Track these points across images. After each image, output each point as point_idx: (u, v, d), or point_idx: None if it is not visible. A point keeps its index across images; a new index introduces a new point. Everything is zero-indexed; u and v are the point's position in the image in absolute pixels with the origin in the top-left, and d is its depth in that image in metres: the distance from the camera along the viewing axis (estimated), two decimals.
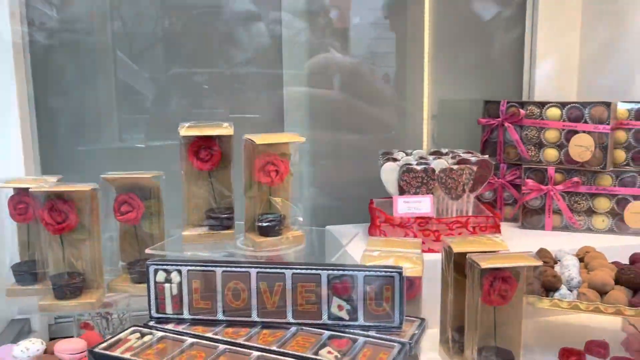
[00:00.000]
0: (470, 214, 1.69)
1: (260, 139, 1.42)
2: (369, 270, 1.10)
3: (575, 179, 1.80)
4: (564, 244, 1.60)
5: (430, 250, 1.62)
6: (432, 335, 1.41)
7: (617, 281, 1.32)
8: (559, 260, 1.46)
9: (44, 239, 1.45)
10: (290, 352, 1.02)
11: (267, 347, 1.03)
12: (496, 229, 1.64)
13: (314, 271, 1.11)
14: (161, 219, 1.57)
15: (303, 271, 1.11)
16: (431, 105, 2.20)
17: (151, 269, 1.15)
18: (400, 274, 1.09)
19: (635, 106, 1.75)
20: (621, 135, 1.77)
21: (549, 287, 1.33)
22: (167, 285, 1.14)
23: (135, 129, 2.04)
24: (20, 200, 1.50)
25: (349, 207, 2.07)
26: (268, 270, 1.12)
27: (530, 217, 1.88)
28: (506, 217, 1.97)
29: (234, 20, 2.00)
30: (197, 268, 1.14)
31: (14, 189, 1.51)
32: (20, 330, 1.73)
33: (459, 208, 1.69)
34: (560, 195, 1.82)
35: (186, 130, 1.50)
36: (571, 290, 1.33)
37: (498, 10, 2.17)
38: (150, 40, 1.97)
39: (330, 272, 1.10)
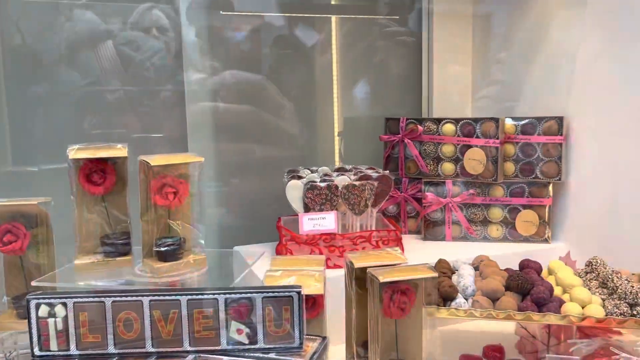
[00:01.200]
0: (373, 228, 1.72)
1: (155, 159, 1.37)
2: (267, 291, 1.08)
3: (471, 190, 1.89)
4: (462, 254, 1.66)
5: (336, 266, 1.63)
6: (338, 352, 1.41)
7: (508, 287, 1.39)
8: (457, 270, 1.51)
9: None
10: None
11: None
12: (398, 242, 1.69)
13: (210, 296, 1.08)
14: (50, 248, 1.46)
15: (199, 296, 1.07)
16: (338, 122, 2.25)
17: (32, 303, 1.06)
18: (299, 293, 1.09)
19: (521, 122, 1.88)
20: (510, 148, 1.89)
21: (446, 297, 1.38)
22: (50, 320, 1.06)
23: (27, 151, 1.91)
24: None
25: (258, 226, 2.05)
26: (161, 297, 1.07)
27: (431, 228, 1.95)
28: (410, 229, 2.04)
29: (133, 36, 1.94)
30: (84, 300, 1.07)
31: None
32: None
33: (362, 223, 1.72)
34: (458, 207, 1.90)
35: (76, 152, 1.41)
36: (467, 299, 1.39)
37: (396, 36, 2.26)
38: (47, 57, 1.85)
39: (227, 295, 1.08)
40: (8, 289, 1.45)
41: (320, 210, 1.66)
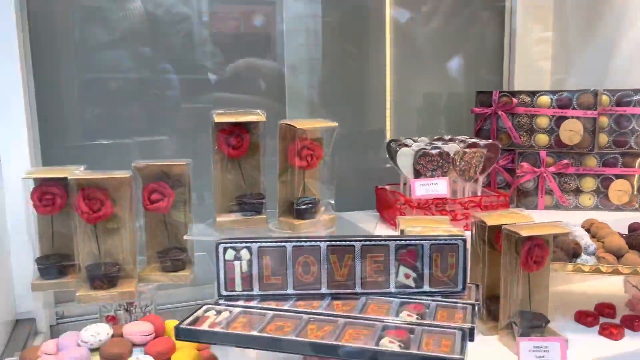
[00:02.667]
0: (479, 194, 1.81)
1: (298, 123, 1.46)
2: (435, 239, 1.17)
3: (565, 161, 1.97)
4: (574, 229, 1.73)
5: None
6: None
7: (630, 245, 1.47)
8: (572, 232, 1.59)
9: (78, 229, 1.40)
10: (371, 316, 1.07)
11: (349, 314, 1.08)
12: (506, 206, 1.77)
13: (382, 242, 1.16)
14: (190, 207, 1.56)
15: (372, 242, 1.16)
16: (416, 98, 2.34)
17: (220, 247, 1.15)
18: (464, 241, 1.17)
19: (615, 94, 1.94)
20: (603, 120, 1.96)
21: (571, 254, 1.46)
22: (236, 262, 1.15)
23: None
24: (46, 191, 1.44)
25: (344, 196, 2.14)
26: (337, 243, 1.16)
27: (524, 198, 2.03)
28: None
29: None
30: (267, 245, 1.16)
31: (37, 179, 1.45)
32: (29, 332, 1.66)
33: (470, 189, 1.80)
34: (552, 177, 1.98)
35: (218, 117, 1.50)
36: (591, 256, 1.47)
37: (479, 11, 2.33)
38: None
39: (398, 242, 1.16)
40: (152, 245, 1.56)
41: (432, 176, 1.74)
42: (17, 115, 1.63)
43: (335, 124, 1.52)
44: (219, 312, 1.10)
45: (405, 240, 1.17)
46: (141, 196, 1.50)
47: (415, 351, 0.93)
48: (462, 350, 0.93)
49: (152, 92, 1.92)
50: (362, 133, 2.24)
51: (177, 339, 1.05)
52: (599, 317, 1.54)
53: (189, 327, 1.03)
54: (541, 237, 1.36)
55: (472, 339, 1.02)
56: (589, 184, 1.98)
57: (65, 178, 1.42)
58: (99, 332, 1.15)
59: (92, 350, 1.13)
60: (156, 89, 1.93)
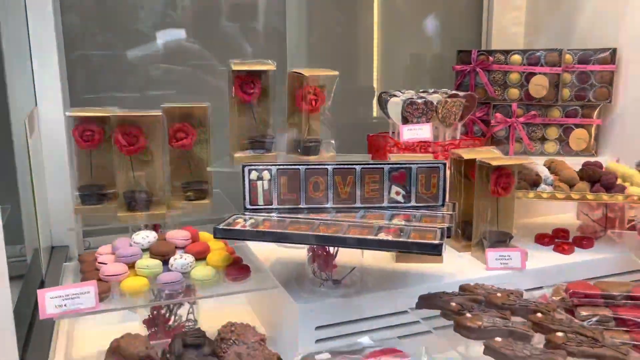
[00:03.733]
0: (458, 138, 2.08)
1: (305, 71, 1.70)
2: (421, 163, 1.44)
3: (533, 112, 2.24)
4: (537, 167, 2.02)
5: None
6: None
7: (581, 177, 1.76)
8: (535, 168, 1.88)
9: (116, 161, 1.63)
10: (371, 222, 1.34)
11: (352, 220, 1.35)
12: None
13: (378, 166, 1.43)
14: (209, 145, 1.80)
15: (369, 166, 1.43)
16: (402, 58, 2.60)
17: (246, 169, 1.41)
18: (444, 164, 1.44)
19: (578, 52, 2.21)
20: (567, 76, 2.23)
21: (532, 183, 1.75)
22: (259, 182, 1.41)
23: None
24: (87, 128, 1.67)
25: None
26: (342, 167, 1.42)
27: (497, 145, 2.30)
28: None
29: None
30: (284, 167, 1.41)
31: (78, 118, 1.67)
32: (65, 257, 1.90)
33: (450, 134, 2.07)
34: (521, 126, 2.26)
35: (235, 65, 1.73)
36: (549, 186, 1.76)
37: None
38: None
39: (390, 165, 1.43)
40: (176, 178, 1.79)
41: (417, 122, 2.00)
42: (51, 70, 1.85)
43: (336, 72, 1.76)
44: (246, 220, 1.36)
45: (397, 164, 1.43)
46: (167, 134, 1.73)
47: (405, 239, 1.21)
48: (442, 238, 1.21)
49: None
50: (352, 90, 2.49)
51: (215, 237, 1.30)
52: (555, 239, 1.84)
53: (224, 227, 1.29)
54: (508, 167, 1.64)
55: (449, 236, 1.29)
56: (553, 132, 2.27)
57: (102, 117, 1.65)
58: (148, 235, 1.40)
59: (143, 250, 1.38)
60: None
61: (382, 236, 1.24)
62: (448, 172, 1.79)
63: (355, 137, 2.33)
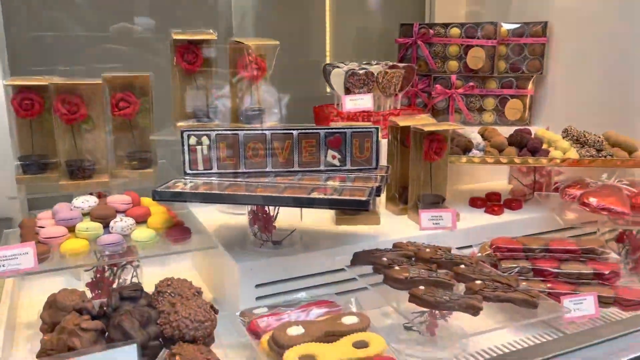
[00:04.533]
0: (399, 108, 2.16)
1: (248, 41, 1.73)
2: (355, 128, 1.50)
3: (471, 83, 2.34)
4: (469, 133, 2.12)
5: None
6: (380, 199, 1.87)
7: (510, 143, 1.86)
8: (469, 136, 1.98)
9: (57, 129, 1.64)
10: (305, 182, 1.41)
11: (290, 183, 1.41)
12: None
13: (314, 131, 1.49)
14: (152, 115, 1.82)
15: (306, 131, 1.48)
16: (352, 32, 2.65)
17: (185, 134, 1.44)
18: (377, 129, 1.51)
19: (513, 26, 2.31)
20: (502, 48, 2.33)
21: (464, 149, 1.84)
22: (198, 147, 1.44)
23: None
24: (26, 97, 1.66)
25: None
26: (279, 132, 1.47)
27: (438, 116, 2.40)
28: None
29: None
30: (223, 132, 1.45)
31: (16, 86, 1.66)
32: (9, 227, 1.89)
33: (391, 104, 2.14)
34: (460, 97, 2.36)
35: (176, 35, 1.75)
36: (481, 152, 1.86)
37: None
38: None
39: (326, 130, 1.49)
40: (120, 147, 1.81)
41: (359, 92, 2.07)
42: None
43: (277, 42, 1.80)
44: (186, 183, 1.40)
45: (332, 129, 1.49)
46: (109, 104, 1.74)
47: (336, 197, 1.28)
48: (370, 195, 1.28)
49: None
50: (305, 64, 2.53)
51: (153, 199, 1.34)
52: (487, 201, 1.95)
53: (163, 189, 1.33)
54: (440, 133, 1.72)
55: (378, 195, 1.37)
56: (490, 103, 2.37)
57: (42, 86, 1.64)
58: (88, 199, 1.43)
59: (84, 215, 1.41)
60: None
61: (314, 195, 1.30)
62: (386, 139, 1.88)
63: (308, 109, 2.38)
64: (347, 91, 2.07)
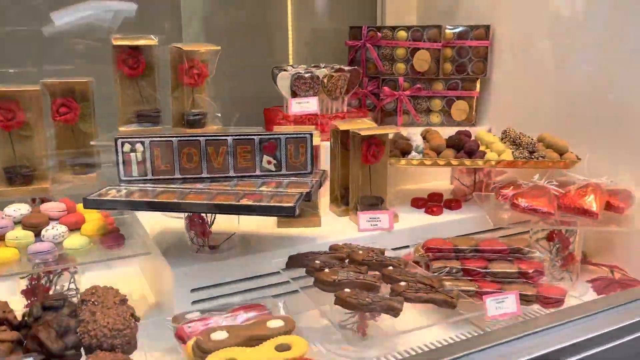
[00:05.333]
0: (345, 111, 2.20)
1: (186, 46, 1.75)
2: (289, 134, 1.53)
3: (418, 85, 2.39)
4: (411, 135, 2.17)
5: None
6: (324, 201, 1.92)
7: (448, 145, 1.92)
8: (410, 138, 2.03)
9: None
10: (237, 189, 1.43)
11: (223, 189, 1.43)
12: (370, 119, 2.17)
13: (249, 137, 1.51)
14: (94, 120, 1.82)
15: (241, 137, 1.51)
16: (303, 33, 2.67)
17: (119, 142, 1.45)
18: (311, 135, 1.55)
19: (458, 29, 2.37)
20: (448, 51, 2.39)
21: (404, 152, 1.89)
22: (132, 154, 1.46)
23: None
24: None
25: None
26: (214, 138, 1.50)
27: (387, 117, 2.45)
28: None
29: None
30: (157, 139, 1.47)
31: None
32: None
33: (337, 107, 2.18)
34: (408, 99, 2.40)
35: (116, 40, 1.76)
36: (419, 154, 1.91)
37: None
38: None
39: (261, 136, 1.52)
40: (62, 153, 1.81)
41: (305, 96, 2.10)
42: None
43: (219, 47, 1.83)
44: (119, 190, 1.42)
45: (267, 135, 1.52)
46: (50, 109, 1.74)
47: (263, 203, 1.31)
48: (296, 202, 1.31)
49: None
50: (263, 66, 2.54)
51: (84, 207, 1.35)
52: (429, 202, 2.00)
53: (94, 198, 1.35)
54: (377, 137, 1.77)
55: (308, 200, 1.40)
56: (437, 104, 2.43)
57: None
58: (20, 207, 1.43)
59: (16, 223, 1.41)
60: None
61: (243, 202, 1.33)
62: (328, 142, 1.91)
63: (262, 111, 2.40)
64: (294, 94, 2.10)
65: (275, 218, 1.77)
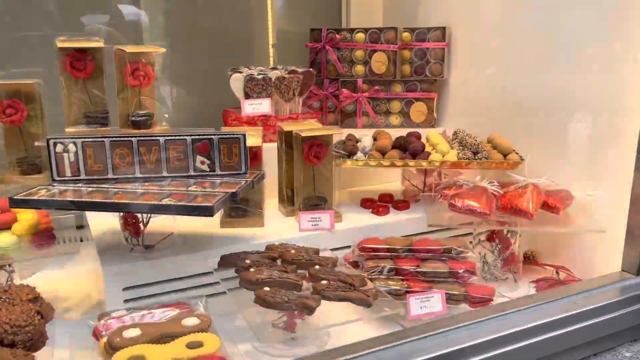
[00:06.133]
0: (299, 112, 2.21)
1: (129, 48, 1.77)
2: (222, 134, 1.55)
3: (377, 87, 2.40)
4: (363, 137, 2.18)
5: (270, 141, 2.11)
6: (272, 204, 1.94)
7: (394, 146, 1.93)
8: (361, 139, 2.04)
9: None
10: (168, 189, 1.45)
11: (151, 189, 1.45)
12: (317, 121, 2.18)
13: (181, 137, 1.53)
14: (44, 121, 1.85)
15: (173, 137, 1.53)
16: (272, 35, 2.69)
17: (51, 142, 1.48)
18: (244, 136, 1.56)
19: (415, 31, 2.38)
20: (407, 53, 2.40)
21: (350, 153, 1.90)
22: (65, 154, 1.48)
23: None
24: None
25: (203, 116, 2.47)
26: (145, 138, 1.52)
27: (346, 119, 2.46)
28: (330, 122, 2.53)
29: None
30: (89, 140, 1.49)
31: None
32: None
33: (291, 108, 2.19)
34: (367, 101, 2.42)
35: (61, 42, 1.78)
36: (365, 155, 1.92)
37: None
38: None
39: (193, 137, 1.54)
40: (10, 153, 1.84)
41: (258, 97, 2.12)
42: None
43: (164, 49, 1.85)
44: (49, 190, 1.44)
45: (199, 135, 1.54)
46: None
47: (183, 203, 1.33)
48: (217, 202, 1.33)
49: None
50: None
51: (10, 207, 1.38)
52: (377, 202, 2.01)
53: (22, 197, 1.37)
54: (319, 138, 1.78)
55: (234, 198, 1.42)
56: (396, 106, 2.44)
57: None
58: None
59: None
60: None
61: (165, 201, 1.35)
62: (276, 143, 1.93)
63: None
64: (247, 96, 2.12)
65: (218, 218, 1.78)
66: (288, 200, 1.91)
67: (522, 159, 1.84)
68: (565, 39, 1.81)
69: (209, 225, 1.77)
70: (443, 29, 2.34)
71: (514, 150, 1.88)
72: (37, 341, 1.09)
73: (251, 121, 2.11)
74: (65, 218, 1.63)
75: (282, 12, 2.73)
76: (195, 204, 1.32)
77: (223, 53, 2.58)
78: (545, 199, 1.69)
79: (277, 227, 1.80)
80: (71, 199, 1.35)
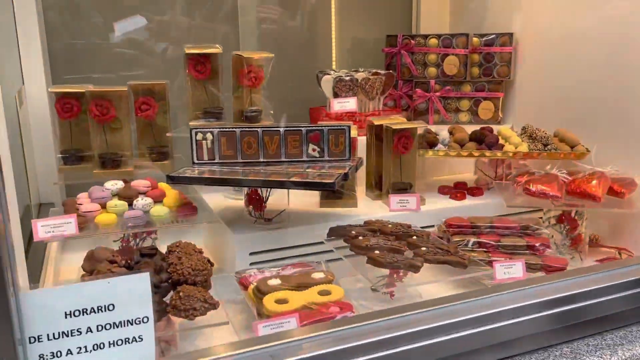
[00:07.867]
0: (380, 109, 2.49)
1: (246, 53, 2.09)
2: (331, 126, 1.84)
3: (448, 87, 2.66)
4: (439, 131, 2.44)
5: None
6: (361, 191, 2.21)
7: (470, 139, 2.18)
8: (438, 133, 2.30)
9: (92, 128, 2.01)
10: (289, 171, 1.75)
11: (276, 170, 1.75)
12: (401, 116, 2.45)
13: (297, 128, 1.83)
14: (169, 116, 2.18)
15: (290, 129, 1.83)
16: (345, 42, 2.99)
17: (193, 131, 1.80)
18: (349, 127, 1.85)
19: (484, 37, 2.62)
20: (476, 57, 2.64)
21: (431, 144, 2.16)
22: (204, 141, 1.80)
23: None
24: (66, 101, 2.04)
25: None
26: (269, 129, 1.82)
27: (419, 116, 2.72)
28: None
29: None
30: (223, 130, 1.81)
31: (58, 93, 2.04)
32: (49, 211, 2.28)
33: (373, 106, 2.47)
34: (438, 99, 2.67)
35: (187, 49, 2.11)
36: (445, 147, 2.17)
37: None
38: None
39: (307, 128, 1.83)
40: (142, 143, 2.17)
41: (345, 96, 2.40)
42: (35, 55, 2.22)
43: (272, 54, 2.15)
44: (193, 170, 1.76)
45: (312, 127, 1.83)
46: (133, 107, 2.11)
47: (309, 180, 1.62)
48: (336, 179, 1.61)
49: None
50: (309, 71, 2.87)
51: (167, 182, 1.70)
52: (453, 189, 2.26)
53: (175, 174, 1.69)
54: (407, 130, 2.05)
55: (346, 179, 1.70)
56: (465, 104, 2.69)
57: (80, 92, 2.02)
58: (117, 183, 1.79)
59: (113, 195, 1.77)
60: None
61: (294, 179, 1.64)
62: (365, 136, 2.21)
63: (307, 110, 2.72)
64: (336, 95, 2.41)
65: (318, 199, 2.07)
66: (376, 185, 2.19)
67: (588, 150, 2.06)
68: (634, 42, 2.02)
69: (311, 204, 2.06)
70: (510, 34, 2.57)
71: (580, 143, 2.10)
72: (209, 283, 1.40)
73: (339, 117, 2.40)
74: (191, 197, 1.95)
75: (356, 20, 3.02)
76: (321, 181, 1.61)
77: (305, 57, 2.88)
78: (611, 184, 1.90)
79: (368, 207, 2.08)
80: (220, 177, 1.66)
